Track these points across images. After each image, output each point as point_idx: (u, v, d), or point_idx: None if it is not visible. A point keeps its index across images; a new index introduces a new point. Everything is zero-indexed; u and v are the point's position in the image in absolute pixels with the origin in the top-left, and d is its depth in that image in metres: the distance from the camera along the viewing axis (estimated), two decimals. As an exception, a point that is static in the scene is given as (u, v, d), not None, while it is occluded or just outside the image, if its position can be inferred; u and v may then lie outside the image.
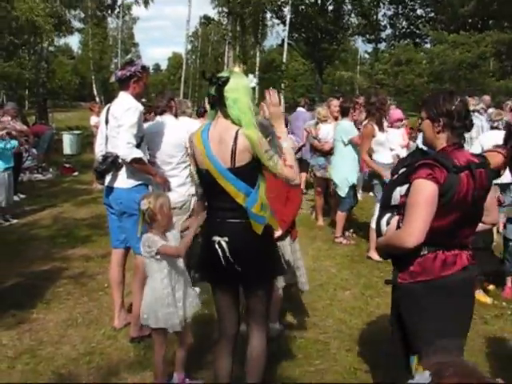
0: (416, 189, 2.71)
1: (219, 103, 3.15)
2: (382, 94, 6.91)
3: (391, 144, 6.86)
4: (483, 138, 7.04)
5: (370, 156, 6.74)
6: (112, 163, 4.47)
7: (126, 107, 4.41)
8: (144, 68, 4.65)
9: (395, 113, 7.55)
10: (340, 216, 7.67)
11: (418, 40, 39.73)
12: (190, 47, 55.79)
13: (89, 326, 4.86)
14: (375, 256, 6.85)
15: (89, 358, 4.30)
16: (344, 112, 7.37)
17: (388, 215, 3.00)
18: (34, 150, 13.63)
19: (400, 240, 2.79)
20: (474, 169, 2.70)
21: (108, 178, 4.60)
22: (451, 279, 2.81)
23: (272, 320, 4.55)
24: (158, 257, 3.52)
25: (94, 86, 44.27)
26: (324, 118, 8.66)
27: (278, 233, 4.08)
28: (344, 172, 7.50)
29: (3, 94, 20.80)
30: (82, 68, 55.85)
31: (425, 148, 3.00)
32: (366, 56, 55.66)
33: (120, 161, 4.46)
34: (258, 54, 38.26)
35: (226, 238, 3.17)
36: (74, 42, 78.93)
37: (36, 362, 4.24)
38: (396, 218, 2.93)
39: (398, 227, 2.88)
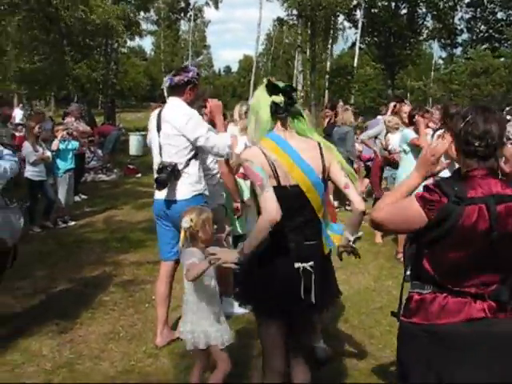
0: (400, 202, 2.45)
1: (287, 113, 2.92)
2: (459, 107, 6.35)
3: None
4: None
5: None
6: (171, 173, 4.26)
7: (186, 117, 4.29)
8: (199, 75, 4.51)
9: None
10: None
11: (497, 45, 38.13)
12: (261, 50, 55.99)
13: (131, 341, 4.65)
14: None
15: (126, 376, 4.08)
16: (412, 120, 6.86)
17: (409, 242, 2.60)
18: (99, 151, 13.80)
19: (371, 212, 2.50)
20: (491, 204, 2.24)
21: (163, 190, 4.38)
22: (451, 329, 2.35)
23: (316, 340, 4.28)
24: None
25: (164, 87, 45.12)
26: (396, 126, 8.11)
27: None
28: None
29: (75, 94, 21.29)
30: (154, 69, 57.08)
31: None
32: (441, 62, 54.05)
33: (179, 169, 4.31)
34: (328, 58, 37.79)
35: (312, 263, 2.85)
36: (147, 44, 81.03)
37: (73, 377, 4.07)
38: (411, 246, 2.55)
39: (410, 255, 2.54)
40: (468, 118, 2.35)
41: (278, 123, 2.93)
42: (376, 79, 43.93)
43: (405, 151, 6.91)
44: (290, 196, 2.82)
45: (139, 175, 14.24)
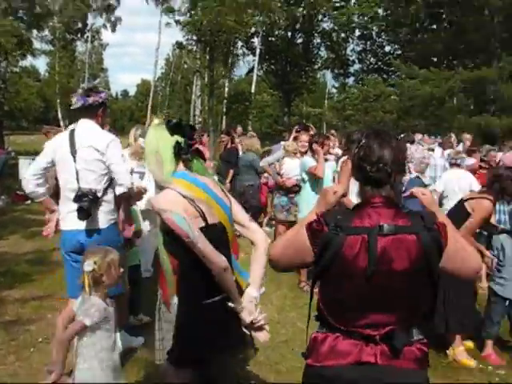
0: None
1: (190, 154, 2.83)
2: (362, 132, 6.35)
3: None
4: (446, 176, 7.31)
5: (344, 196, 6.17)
6: (92, 200, 4.05)
7: (107, 139, 4.16)
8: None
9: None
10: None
11: (385, 76, 40.04)
12: (159, 74, 55.48)
13: (10, 395, 4.11)
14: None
15: None
16: (312, 148, 6.78)
17: None
18: (-17, 176, 12.80)
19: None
20: (373, 234, 2.05)
21: (76, 220, 4.07)
22: (338, 372, 2.15)
23: None
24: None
25: (58, 109, 43.30)
26: (294, 151, 7.97)
27: None
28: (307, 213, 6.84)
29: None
30: (48, 91, 54.76)
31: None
32: (334, 90, 56.04)
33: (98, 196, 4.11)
34: (226, 84, 37.96)
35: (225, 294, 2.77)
36: (41, 64, 78.03)
37: None
38: None
39: None
40: (361, 143, 2.24)
41: (181, 164, 2.82)
42: (273, 106, 44.79)
43: (303, 180, 6.84)
44: (217, 234, 2.72)
45: (29, 202, 13.24)
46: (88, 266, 3.00)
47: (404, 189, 5.61)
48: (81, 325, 2.95)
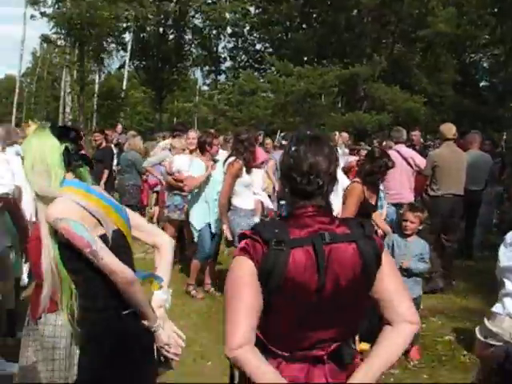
0: (230, 271, 1.97)
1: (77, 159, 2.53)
2: (253, 132, 6.14)
3: (254, 187, 6.11)
4: None
5: (230, 200, 5.89)
6: None
7: None
8: None
9: (260, 152, 6.87)
10: (193, 264, 6.65)
11: (256, 73, 40.55)
12: (25, 69, 52.40)
13: None
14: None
15: None
16: (201, 147, 6.47)
17: None
18: None
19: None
20: (318, 244, 1.87)
21: None
22: None
23: None
24: None
25: None
26: (183, 148, 7.50)
27: None
28: (200, 214, 6.52)
29: None
30: None
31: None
32: (206, 88, 56.02)
33: None
34: (97, 81, 36.52)
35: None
36: None
37: None
38: None
39: None
40: (291, 151, 1.98)
41: (70, 172, 2.49)
42: (143, 103, 43.91)
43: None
44: (118, 242, 2.43)
45: None
46: None
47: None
48: None
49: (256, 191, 6.22)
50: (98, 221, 2.38)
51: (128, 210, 2.66)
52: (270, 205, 7.03)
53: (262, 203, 6.67)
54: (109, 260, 2.30)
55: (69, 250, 2.33)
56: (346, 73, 18.28)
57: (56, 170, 2.40)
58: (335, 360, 1.96)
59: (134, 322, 2.43)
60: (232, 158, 5.87)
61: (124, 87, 36.99)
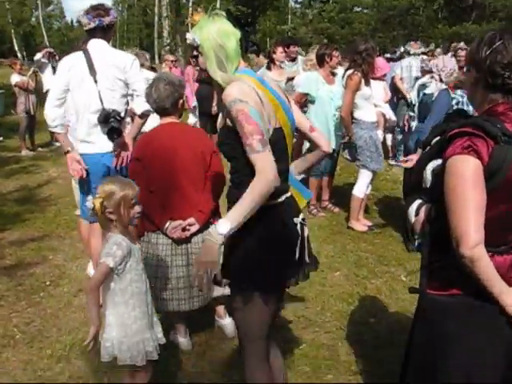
0: (452, 171, 1.91)
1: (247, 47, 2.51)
2: (370, 42, 5.90)
3: (375, 99, 5.95)
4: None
5: (352, 113, 5.79)
6: (120, 121, 3.98)
7: (130, 58, 4.06)
8: None
9: (382, 63, 6.62)
10: (310, 182, 6.66)
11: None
12: (116, -3, 53.08)
13: (31, 343, 3.79)
14: (358, 226, 6.07)
15: (34, 392, 3.29)
16: (320, 60, 6.31)
17: (418, 202, 2.17)
18: None
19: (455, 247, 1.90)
20: None
21: (98, 144, 4.03)
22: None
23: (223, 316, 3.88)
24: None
25: (14, 40, 41.19)
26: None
27: (193, 227, 3.35)
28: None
29: None
30: (0, 21, 51.90)
31: (467, 107, 2.16)
32: (297, 6, 54.33)
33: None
34: (190, 4, 36.40)
35: (302, 215, 2.47)
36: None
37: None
38: (426, 207, 2.12)
39: (430, 218, 2.07)
40: (496, 45, 1.91)
41: (242, 61, 2.40)
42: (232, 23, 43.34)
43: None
44: (279, 140, 2.34)
45: (1, 138, 12.65)
46: (91, 204, 2.59)
47: (433, 99, 5.24)
48: (104, 267, 2.56)
49: (377, 103, 6.06)
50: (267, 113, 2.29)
51: (295, 111, 2.56)
52: (393, 116, 6.84)
53: (383, 115, 6.51)
54: (268, 156, 2.18)
55: (236, 135, 2.24)
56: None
57: (231, 56, 2.33)
58: None
59: (286, 210, 2.42)
60: (350, 71, 5.71)
61: (218, 7, 36.61)
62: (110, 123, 3.92)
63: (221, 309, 3.85)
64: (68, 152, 4.07)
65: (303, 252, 2.46)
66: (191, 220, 3.36)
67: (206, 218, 3.43)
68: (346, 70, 5.86)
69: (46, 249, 5.59)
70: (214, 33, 2.31)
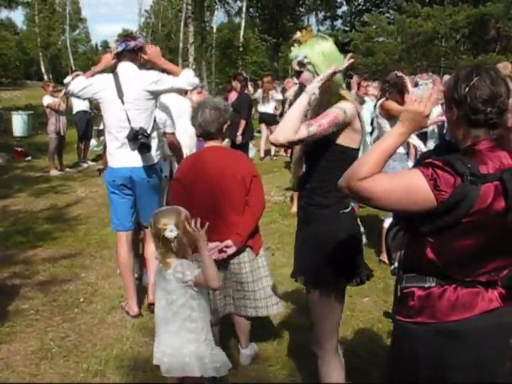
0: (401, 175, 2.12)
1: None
2: (401, 72, 5.95)
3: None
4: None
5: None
6: (147, 137, 4.31)
7: (154, 76, 4.34)
8: None
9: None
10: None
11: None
12: (142, 24, 54.07)
13: (67, 357, 3.87)
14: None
15: (71, 404, 3.36)
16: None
17: (396, 228, 2.27)
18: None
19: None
20: (508, 179, 1.89)
21: (124, 158, 4.38)
22: (466, 326, 2.02)
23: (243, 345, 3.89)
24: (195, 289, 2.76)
25: (41, 63, 42.13)
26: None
27: (230, 249, 3.44)
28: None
29: None
30: (28, 45, 53.05)
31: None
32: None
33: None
34: (214, 30, 37.02)
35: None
36: (18, 17, 75.68)
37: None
38: (400, 235, 2.20)
39: (403, 245, 2.17)
40: (473, 81, 1.96)
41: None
42: (256, 51, 43.90)
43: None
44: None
45: (29, 158, 12.91)
46: (171, 231, 2.70)
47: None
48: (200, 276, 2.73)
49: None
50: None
51: None
52: (423, 148, 6.87)
53: (414, 146, 6.54)
54: None
55: (330, 149, 2.66)
56: (477, 12, 17.13)
57: (338, 77, 2.65)
58: (507, 286, 2.03)
59: (350, 220, 2.75)
60: (382, 100, 5.79)
61: (241, 36, 37.17)
62: (139, 140, 4.23)
63: (243, 336, 3.86)
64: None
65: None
66: (228, 242, 3.44)
67: (244, 241, 3.50)
68: (378, 99, 5.94)
69: (78, 266, 5.69)
70: (326, 52, 2.61)
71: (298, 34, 2.69)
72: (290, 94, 8.08)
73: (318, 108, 2.68)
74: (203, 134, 3.56)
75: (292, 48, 2.70)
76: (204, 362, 2.72)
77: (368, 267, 2.85)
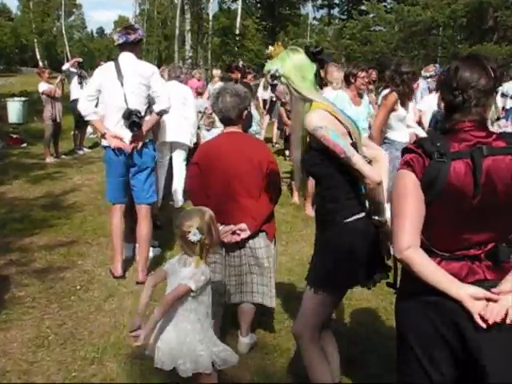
0: (395, 184, 2.21)
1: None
2: (412, 66, 5.88)
3: (408, 120, 5.92)
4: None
5: (385, 134, 5.76)
6: (140, 118, 4.74)
7: (152, 68, 4.90)
8: None
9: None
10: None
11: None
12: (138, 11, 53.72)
13: (64, 345, 3.86)
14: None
15: (69, 393, 3.36)
16: (347, 81, 6.31)
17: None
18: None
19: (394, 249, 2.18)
20: (478, 156, 2.05)
21: (120, 134, 4.81)
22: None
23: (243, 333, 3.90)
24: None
25: (36, 50, 41.80)
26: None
27: (243, 233, 3.52)
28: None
29: None
30: (23, 31, 52.54)
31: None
32: (315, 22, 54.67)
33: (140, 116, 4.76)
34: (210, 17, 36.77)
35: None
36: (12, 1, 75.04)
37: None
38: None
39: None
40: (452, 70, 2.18)
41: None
42: (255, 39, 43.67)
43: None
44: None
45: (25, 145, 12.82)
46: (194, 235, 2.73)
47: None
48: (185, 289, 2.73)
49: (410, 124, 6.02)
50: (347, 129, 2.73)
51: None
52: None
53: (416, 136, 6.52)
54: (360, 163, 2.63)
55: (324, 156, 2.68)
56: (476, 0, 17.05)
57: (310, 85, 2.74)
58: (491, 259, 2.14)
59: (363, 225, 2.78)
60: (387, 91, 5.74)
61: (238, 23, 36.95)
62: (132, 118, 4.66)
63: (245, 325, 3.87)
64: (105, 134, 4.84)
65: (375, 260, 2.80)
66: (242, 225, 3.52)
67: (258, 225, 3.57)
68: (382, 90, 5.86)
69: (75, 254, 5.67)
70: (300, 61, 2.71)
71: (270, 49, 2.80)
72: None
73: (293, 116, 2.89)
74: (223, 120, 3.64)
75: (265, 63, 2.81)
76: (205, 357, 2.77)
77: (385, 267, 2.85)
